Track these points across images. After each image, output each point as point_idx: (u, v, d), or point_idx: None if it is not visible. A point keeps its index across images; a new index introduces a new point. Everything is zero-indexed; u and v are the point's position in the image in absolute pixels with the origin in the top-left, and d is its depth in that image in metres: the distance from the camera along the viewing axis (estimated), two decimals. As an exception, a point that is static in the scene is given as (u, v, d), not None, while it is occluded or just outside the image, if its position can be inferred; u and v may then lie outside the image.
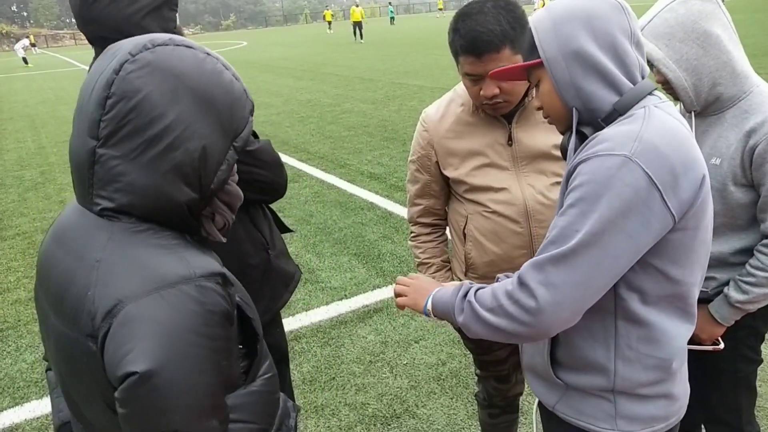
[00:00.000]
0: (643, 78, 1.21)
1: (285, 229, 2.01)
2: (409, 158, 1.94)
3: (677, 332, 1.23)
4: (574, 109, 1.20)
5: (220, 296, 0.93)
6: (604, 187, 1.09)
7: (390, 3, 54.01)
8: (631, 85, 1.19)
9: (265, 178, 1.70)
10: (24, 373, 3.43)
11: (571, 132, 1.22)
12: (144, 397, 0.85)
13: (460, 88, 1.80)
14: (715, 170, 1.65)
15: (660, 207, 1.09)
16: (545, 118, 1.31)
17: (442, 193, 1.91)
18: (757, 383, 1.88)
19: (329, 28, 47.20)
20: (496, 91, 1.62)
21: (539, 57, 1.21)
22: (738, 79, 1.59)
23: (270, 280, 1.81)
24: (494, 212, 1.74)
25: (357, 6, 30.09)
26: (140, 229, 0.94)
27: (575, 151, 1.21)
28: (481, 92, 1.64)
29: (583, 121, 1.21)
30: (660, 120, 1.15)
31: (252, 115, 1.04)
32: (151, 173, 0.92)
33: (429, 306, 1.33)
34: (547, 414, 1.40)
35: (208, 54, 0.99)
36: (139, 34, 1.01)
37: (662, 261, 1.16)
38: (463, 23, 1.60)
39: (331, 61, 20.50)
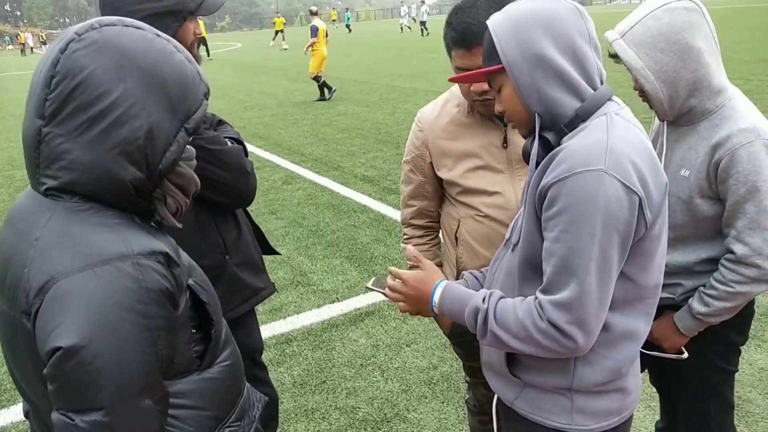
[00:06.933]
0: (602, 83, 1.22)
1: (270, 251, 1.98)
2: (404, 159, 1.93)
3: (636, 334, 1.26)
4: (536, 115, 1.20)
5: (159, 275, 0.91)
6: (590, 206, 1.10)
7: (348, 10, 50.18)
8: (592, 91, 1.19)
9: (225, 181, 1.68)
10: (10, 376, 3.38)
11: (534, 137, 1.22)
12: (70, 373, 0.84)
13: (456, 89, 1.79)
14: (683, 182, 1.64)
15: (639, 214, 1.12)
16: (509, 122, 1.31)
17: (436, 195, 1.90)
18: (747, 389, 1.88)
19: (281, 39, 32.46)
20: (486, 87, 1.61)
21: (499, 62, 1.20)
22: (713, 94, 1.58)
23: (221, 286, 1.67)
24: (486, 216, 1.73)
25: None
26: (82, 208, 0.93)
27: (537, 156, 1.22)
28: (471, 88, 1.64)
29: (545, 126, 1.21)
30: (623, 128, 1.17)
31: (207, 99, 1.02)
32: (95, 150, 0.91)
33: (436, 310, 1.33)
34: (505, 410, 1.41)
35: (159, 35, 0.97)
36: None
37: (629, 267, 1.18)
38: (456, 17, 1.60)
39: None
